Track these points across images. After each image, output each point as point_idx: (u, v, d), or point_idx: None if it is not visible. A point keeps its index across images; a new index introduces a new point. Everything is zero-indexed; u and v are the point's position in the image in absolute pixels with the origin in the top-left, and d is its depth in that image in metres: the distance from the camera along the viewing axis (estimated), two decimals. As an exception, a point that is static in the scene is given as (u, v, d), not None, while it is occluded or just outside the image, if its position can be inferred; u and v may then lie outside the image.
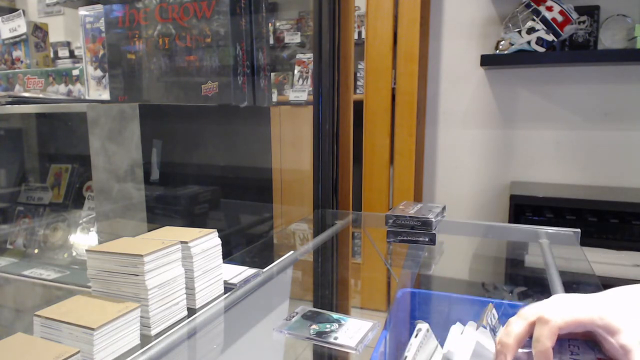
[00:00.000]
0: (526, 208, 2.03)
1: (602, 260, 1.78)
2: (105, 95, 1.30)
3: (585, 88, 2.11)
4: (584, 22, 2.02)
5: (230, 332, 0.69)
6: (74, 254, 1.29)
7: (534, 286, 0.92)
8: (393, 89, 2.37)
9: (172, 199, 1.16)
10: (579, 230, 1.08)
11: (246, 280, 0.76)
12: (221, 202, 1.30)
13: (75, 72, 1.41)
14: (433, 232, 1.05)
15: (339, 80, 1.41)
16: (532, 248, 1.14)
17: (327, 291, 1.00)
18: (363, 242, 2.12)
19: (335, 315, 0.70)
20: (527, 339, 0.48)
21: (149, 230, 0.70)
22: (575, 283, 0.82)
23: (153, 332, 0.59)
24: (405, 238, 1.07)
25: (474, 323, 0.65)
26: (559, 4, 1.91)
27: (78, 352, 0.47)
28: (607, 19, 2.01)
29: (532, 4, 1.95)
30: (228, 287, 0.73)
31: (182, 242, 0.64)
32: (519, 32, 1.98)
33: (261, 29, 1.18)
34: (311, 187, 1.42)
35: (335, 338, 0.63)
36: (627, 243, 1.84)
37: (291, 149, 2.38)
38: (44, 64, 1.65)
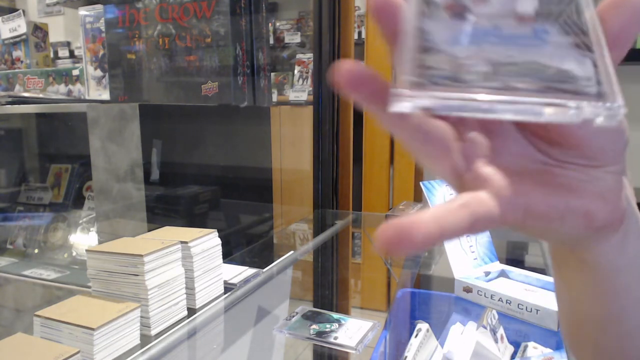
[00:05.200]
0: (526, 208, 2.02)
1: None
2: (105, 95, 1.30)
3: (585, 88, 2.11)
4: (584, 22, 2.02)
5: (230, 332, 0.70)
6: (74, 254, 1.29)
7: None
8: (393, 89, 2.36)
9: (172, 199, 1.16)
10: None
11: (246, 280, 0.76)
12: (221, 202, 1.30)
13: (75, 72, 1.41)
14: (433, 232, 1.04)
15: (339, 80, 1.40)
16: (532, 248, 1.14)
17: (327, 291, 1.00)
18: (363, 242, 2.12)
19: (335, 315, 0.70)
20: None
21: (149, 230, 0.70)
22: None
23: (153, 332, 0.59)
24: (405, 238, 1.07)
25: (474, 323, 0.65)
26: (559, 4, 1.91)
27: (78, 352, 0.47)
28: (607, 19, 2.01)
29: (532, 4, 1.95)
30: (228, 287, 0.73)
31: (182, 242, 0.64)
32: (519, 32, 1.98)
33: (261, 29, 1.18)
34: (311, 187, 1.42)
35: (335, 338, 0.63)
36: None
37: (291, 149, 2.38)
38: (44, 64, 1.65)
